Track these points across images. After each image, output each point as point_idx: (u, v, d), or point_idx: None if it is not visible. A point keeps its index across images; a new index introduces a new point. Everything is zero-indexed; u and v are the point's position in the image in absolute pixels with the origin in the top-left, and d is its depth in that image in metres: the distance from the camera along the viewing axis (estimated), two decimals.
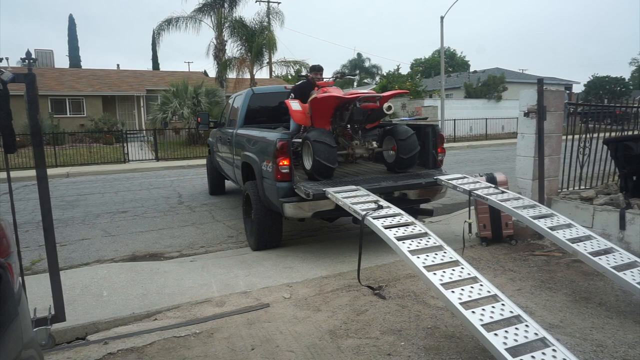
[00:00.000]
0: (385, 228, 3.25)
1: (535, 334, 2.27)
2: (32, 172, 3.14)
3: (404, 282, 3.73)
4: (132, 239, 5.84)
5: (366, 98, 4.53)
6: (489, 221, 4.67)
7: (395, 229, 3.27)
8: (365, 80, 53.03)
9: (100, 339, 2.97)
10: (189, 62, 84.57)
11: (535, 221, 3.47)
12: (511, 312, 2.43)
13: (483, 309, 2.43)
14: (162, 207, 7.86)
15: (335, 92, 4.73)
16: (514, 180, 4.98)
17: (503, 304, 2.49)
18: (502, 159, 14.12)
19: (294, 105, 5.21)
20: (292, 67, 25.61)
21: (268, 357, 2.66)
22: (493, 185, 4.20)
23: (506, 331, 2.28)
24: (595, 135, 5.16)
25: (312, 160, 4.42)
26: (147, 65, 50.14)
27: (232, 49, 23.22)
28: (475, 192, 4.02)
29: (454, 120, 22.58)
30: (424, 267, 2.79)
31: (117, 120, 24.50)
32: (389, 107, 4.61)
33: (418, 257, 2.88)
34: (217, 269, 4.25)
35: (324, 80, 5.25)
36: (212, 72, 27.88)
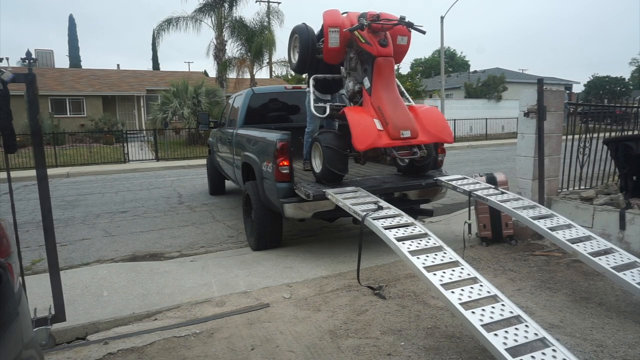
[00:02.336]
0: (386, 229, 3.25)
1: (535, 334, 2.28)
2: (32, 172, 3.14)
3: (404, 282, 3.73)
4: (132, 239, 5.84)
5: (404, 148, 4.14)
6: (489, 221, 4.67)
7: (395, 229, 3.26)
8: None
9: (100, 339, 2.97)
10: (189, 62, 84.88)
11: (535, 222, 3.47)
12: (511, 312, 2.43)
13: (483, 309, 2.43)
14: (162, 207, 7.86)
15: (372, 137, 3.94)
16: (514, 180, 4.98)
17: (503, 304, 2.49)
18: (502, 159, 14.12)
19: (332, 39, 4.35)
20: None
21: (268, 357, 2.66)
22: (493, 186, 4.20)
23: (506, 331, 2.28)
24: (595, 135, 5.16)
25: (322, 166, 4.28)
26: (147, 65, 50.26)
27: (232, 49, 23.28)
28: (475, 192, 4.02)
29: (454, 120, 22.55)
30: (424, 267, 2.79)
31: (117, 120, 24.52)
32: (422, 157, 4.31)
33: (418, 258, 2.88)
34: (217, 269, 4.25)
35: (382, 22, 4.19)
36: (212, 72, 27.92)
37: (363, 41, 4.18)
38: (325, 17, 4.39)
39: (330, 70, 4.87)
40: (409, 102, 4.79)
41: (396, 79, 4.51)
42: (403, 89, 4.98)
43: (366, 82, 4.30)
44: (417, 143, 4.15)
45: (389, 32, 4.27)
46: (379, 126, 4.03)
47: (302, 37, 4.66)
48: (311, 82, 4.82)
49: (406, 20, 4.23)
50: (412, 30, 4.43)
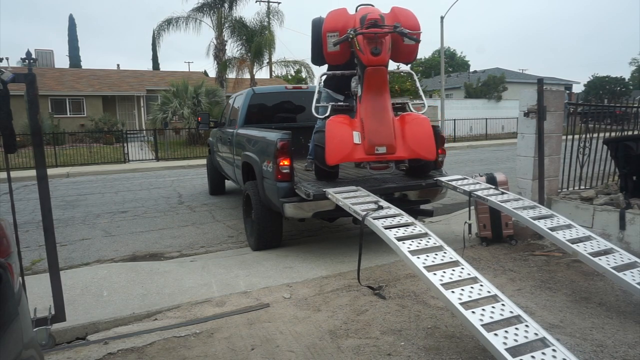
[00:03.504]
0: (386, 228, 3.25)
1: (535, 334, 2.27)
2: (32, 172, 3.14)
3: (404, 282, 3.73)
4: (132, 239, 5.84)
5: (378, 162, 4.30)
6: (489, 221, 4.67)
7: (396, 229, 3.26)
8: None
9: (100, 339, 2.97)
10: (189, 62, 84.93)
11: (535, 222, 3.47)
12: (511, 312, 2.43)
13: (483, 309, 2.43)
14: (162, 207, 7.86)
15: (344, 152, 4.04)
16: (514, 181, 4.98)
17: (503, 304, 2.48)
18: (502, 159, 14.13)
19: (330, 43, 4.32)
20: (292, 67, 25.69)
21: (268, 357, 2.66)
22: (493, 186, 4.20)
23: (506, 331, 2.28)
24: (595, 135, 5.16)
25: (315, 164, 4.41)
26: (147, 65, 50.24)
27: (232, 49, 23.27)
28: (475, 193, 4.02)
29: (454, 120, 22.59)
30: (424, 267, 2.79)
31: (117, 120, 24.52)
32: (404, 169, 4.47)
33: (418, 258, 2.88)
34: (217, 269, 4.25)
35: (374, 30, 4.04)
36: (212, 72, 27.90)
37: (358, 48, 4.14)
38: (325, 21, 4.35)
39: (345, 66, 4.77)
40: (423, 102, 4.81)
41: (413, 78, 4.45)
42: (421, 93, 4.99)
43: (359, 89, 4.34)
44: (393, 159, 4.19)
45: (394, 35, 4.17)
46: (356, 139, 4.05)
47: (312, 30, 4.69)
48: (319, 78, 4.84)
49: (399, 28, 4.10)
50: (420, 29, 4.36)
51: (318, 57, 4.68)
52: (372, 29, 4.04)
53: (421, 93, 4.96)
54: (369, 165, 4.34)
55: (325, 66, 4.95)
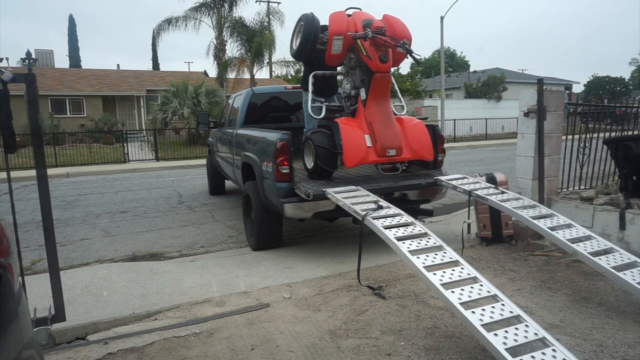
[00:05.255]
0: (385, 228, 3.25)
1: (535, 334, 2.27)
2: (32, 172, 3.14)
3: (404, 282, 3.73)
4: (132, 239, 5.84)
5: (388, 164, 4.68)
6: (489, 221, 4.67)
7: (395, 229, 3.26)
8: None
9: (100, 339, 2.97)
10: (189, 62, 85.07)
11: (535, 221, 3.47)
12: (511, 312, 2.43)
13: (483, 309, 2.43)
14: (162, 207, 7.86)
15: (360, 155, 4.26)
16: (514, 180, 4.98)
17: (503, 304, 2.49)
18: (502, 159, 14.12)
19: (336, 46, 4.42)
20: (292, 67, 25.68)
21: (268, 357, 2.67)
22: (493, 186, 4.20)
23: (506, 331, 2.28)
24: (595, 135, 5.16)
25: (314, 163, 4.46)
26: (147, 65, 50.29)
27: (232, 49, 23.26)
28: (475, 192, 4.02)
29: (454, 120, 22.58)
30: (424, 267, 2.79)
31: (117, 120, 24.53)
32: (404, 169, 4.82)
33: (418, 257, 2.88)
34: (217, 269, 4.25)
35: (385, 38, 4.20)
36: (212, 72, 27.93)
37: (365, 53, 4.28)
38: (330, 23, 4.48)
39: (328, 66, 4.97)
40: (402, 104, 5.08)
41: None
42: (400, 95, 5.15)
43: (362, 93, 4.50)
44: (401, 160, 4.52)
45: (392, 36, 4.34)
46: (368, 143, 4.32)
47: (306, 26, 4.78)
48: (310, 79, 4.94)
49: (407, 46, 4.31)
50: (411, 39, 4.52)
51: (305, 51, 4.83)
52: (383, 37, 4.19)
53: (399, 95, 5.19)
54: (380, 167, 4.63)
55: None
